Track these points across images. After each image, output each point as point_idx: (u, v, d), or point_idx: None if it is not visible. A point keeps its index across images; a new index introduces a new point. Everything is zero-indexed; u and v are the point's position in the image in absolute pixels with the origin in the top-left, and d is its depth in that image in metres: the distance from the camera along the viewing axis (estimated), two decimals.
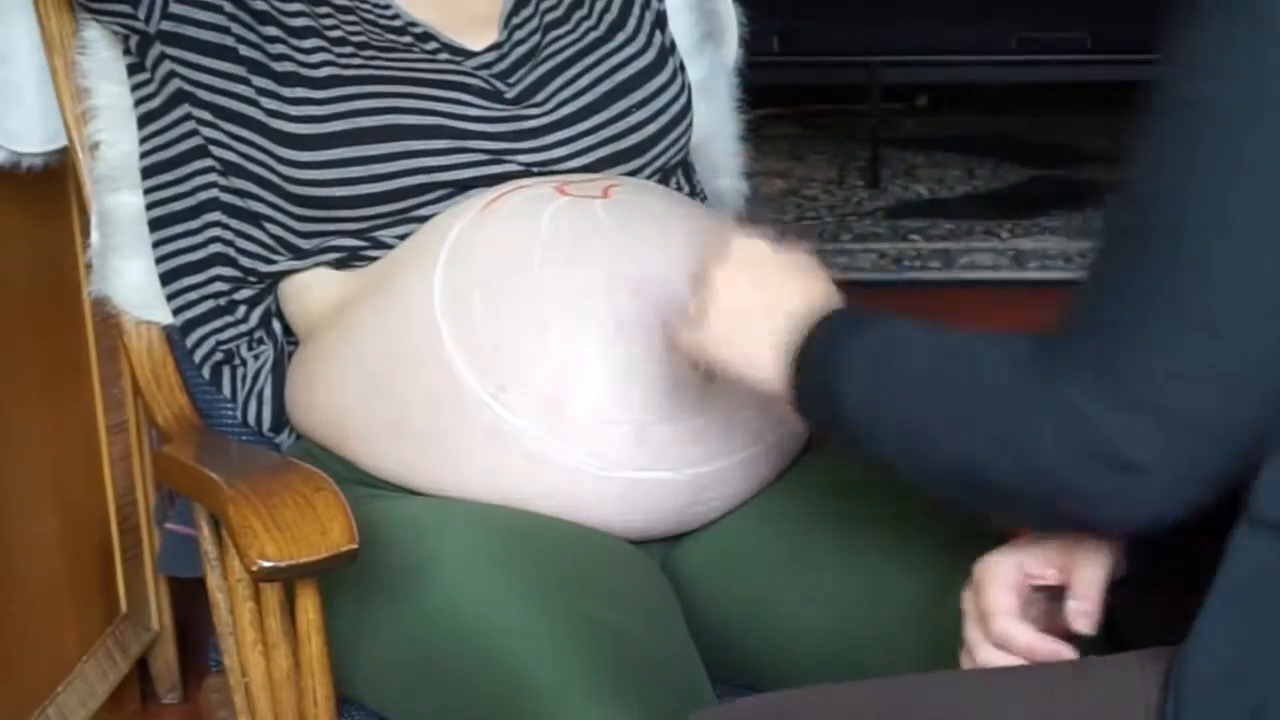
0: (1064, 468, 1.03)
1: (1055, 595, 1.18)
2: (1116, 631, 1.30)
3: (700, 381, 1.43)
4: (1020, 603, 1.17)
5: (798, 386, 1.20)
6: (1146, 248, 1.03)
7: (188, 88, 1.59)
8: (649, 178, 1.64)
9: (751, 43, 1.91)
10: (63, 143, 1.72)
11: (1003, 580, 1.17)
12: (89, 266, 1.69)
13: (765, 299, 1.24)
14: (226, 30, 1.57)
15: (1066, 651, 1.17)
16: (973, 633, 1.19)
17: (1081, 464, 1.03)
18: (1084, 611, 1.15)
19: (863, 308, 1.22)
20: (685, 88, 1.69)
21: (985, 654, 1.18)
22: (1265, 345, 1.00)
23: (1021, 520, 1.18)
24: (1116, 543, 1.17)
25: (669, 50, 1.71)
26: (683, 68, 1.71)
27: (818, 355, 1.18)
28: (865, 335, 1.16)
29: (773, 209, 4.29)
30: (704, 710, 1.27)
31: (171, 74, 1.59)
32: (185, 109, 1.60)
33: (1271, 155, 1.00)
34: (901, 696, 1.18)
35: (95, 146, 1.67)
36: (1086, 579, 1.16)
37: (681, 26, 1.79)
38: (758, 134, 1.91)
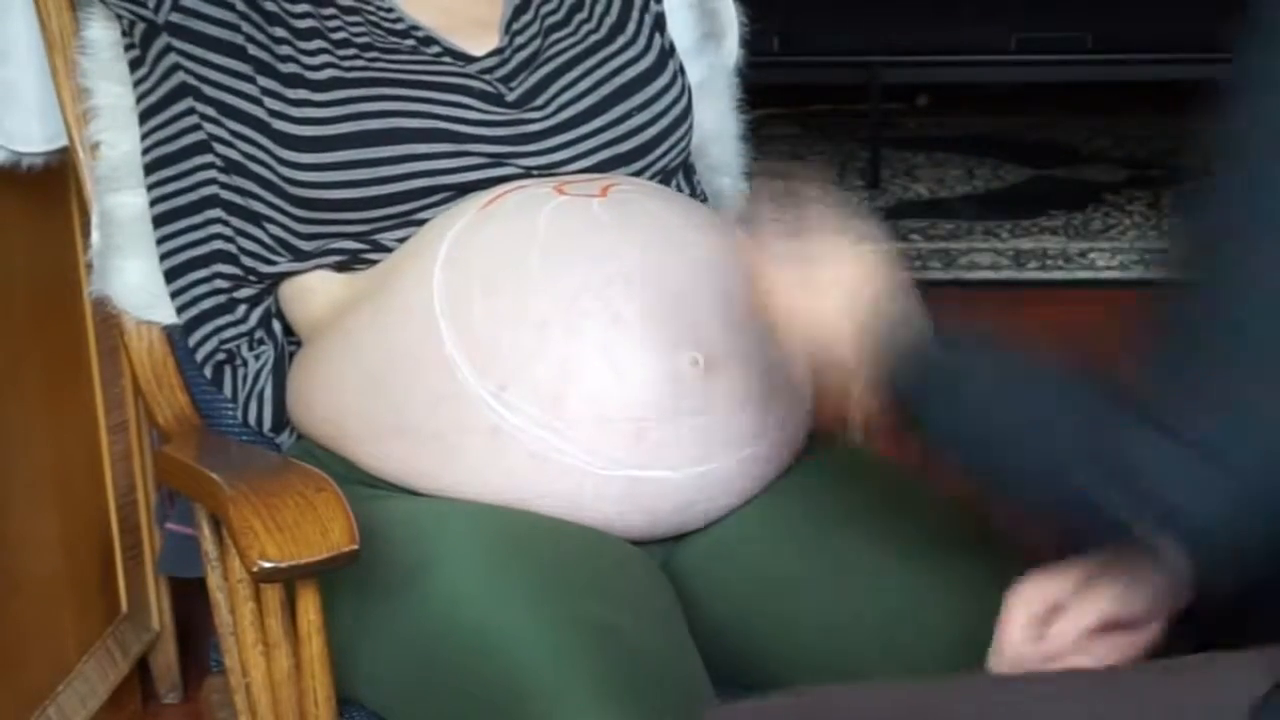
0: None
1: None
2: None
3: (700, 379, 1.43)
4: (1034, 634, 1.18)
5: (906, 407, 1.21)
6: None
7: (193, 82, 1.59)
8: (650, 180, 1.64)
9: (751, 43, 1.91)
10: (63, 142, 1.72)
11: (1025, 594, 1.18)
12: (89, 266, 1.69)
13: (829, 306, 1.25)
14: (236, 28, 1.57)
15: None
16: (993, 655, 1.20)
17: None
18: (1069, 631, 1.15)
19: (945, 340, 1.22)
20: (685, 90, 1.69)
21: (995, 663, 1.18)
22: None
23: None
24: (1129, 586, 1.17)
25: (669, 53, 1.71)
26: (683, 70, 1.71)
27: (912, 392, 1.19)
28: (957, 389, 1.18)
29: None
30: (725, 707, 1.26)
31: (176, 67, 1.59)
32: (188, 103, 1.60)
33: None
34: (937, 699, 1.17)
35: (96, 146, 1.67)
36: (1088, 603, 1.17)
37: (681, 27, 1.79)
38: (758, 134, 1.91)
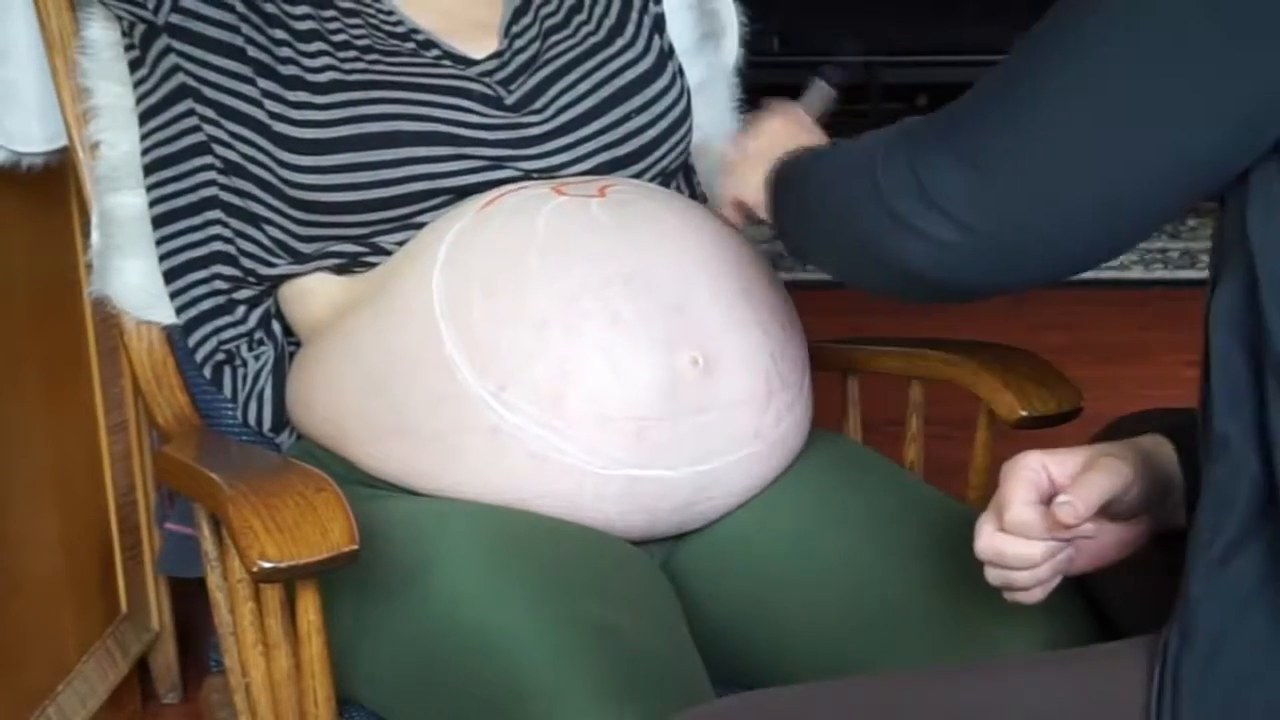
0: (883, 230, 1.17)
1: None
2: (1112, 620, 1.31)
3: (700, 379, 1.43)
4: (1037, 499, 1.18)
5: (769, 204, 1.42)
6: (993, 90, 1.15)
7: (192, 83, 1.59)
8: (649, 181, 1.64)
9: (751, 43, 1.91)
10: (63, 142, 1.72)
11: (1024, 475, 1.18)
12: (89, 266, 1.69)
13: (786, 138, 1.46)
14: (236, 30, 1.57)
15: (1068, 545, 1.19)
16: (986, 523, 1.20)
17: (894, 228, 1.16)
18: (1069, 502, 1.16)
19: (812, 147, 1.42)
20: (685, 92, 1.69)
21: (990, 540, 1.19)
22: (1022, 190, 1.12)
23: (874, 280, 1.25)
24: (1133, 476, 1.19)
25: (668, 54, 1.71)
26: (682, 72, 1.71)
27: (777, 175, 1.40)
28: (791, 162, 1.39)
29: None
30: (691, 710, 1.27)
31: (175, 68, 1.59)
32: (188, 104, 1.60)
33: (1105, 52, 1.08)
34: (896, 693, 1.19)
35: (95, 146, 1.67)
36: (1089, 481, 1.18)
37: (681, 27, 1.79)
38: None
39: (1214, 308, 1.10)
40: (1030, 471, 1.19)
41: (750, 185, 1.48)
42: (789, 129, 1.52)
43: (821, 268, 1.32)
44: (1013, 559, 1.18)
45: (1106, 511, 1.20)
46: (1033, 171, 1.11)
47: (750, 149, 1.51)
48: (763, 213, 1.46)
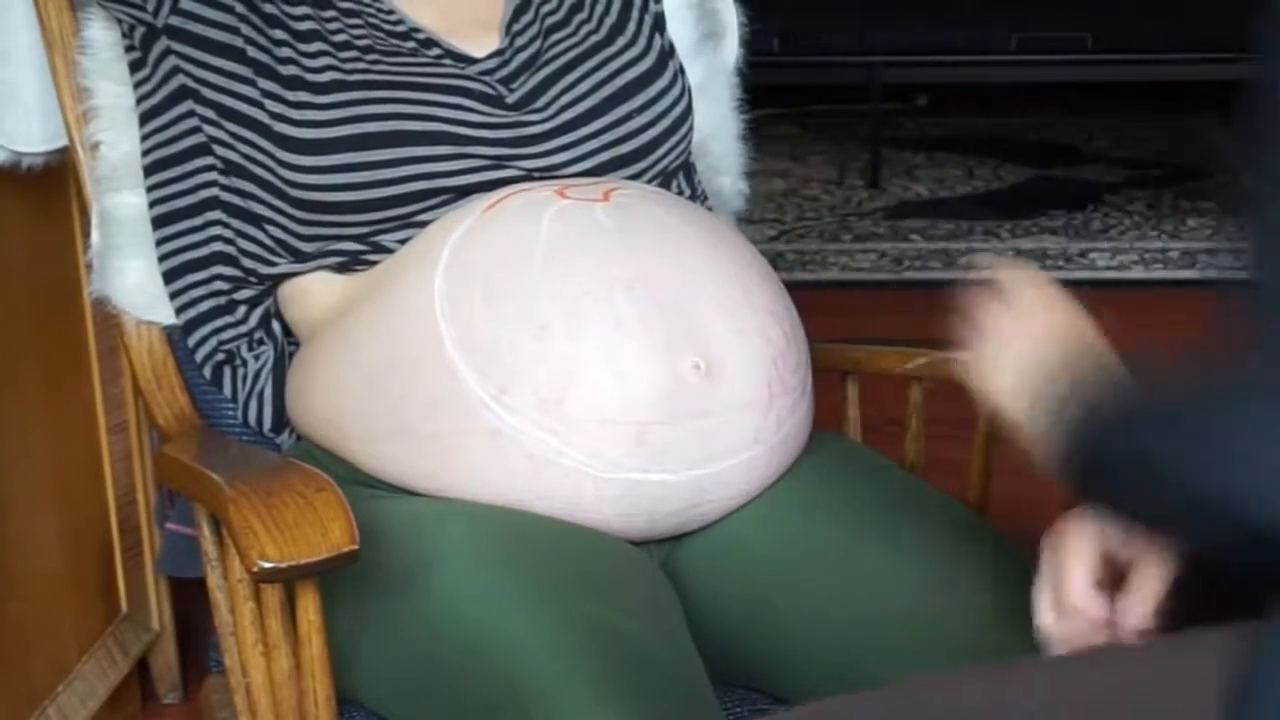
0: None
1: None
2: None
3: (702, 383, 1.43)
4: (1094, 579, 1.16)
5: (1063, 469, 1.16)
6: None
7: (192, 84, 1.59)
8: (650, 182, 1.64)
9: (751, 43, 1.91)
10: (63, 143, 1.72)
11: (1081, 548, 1.16)
12: (89, 266, 1.69)
13: (1027, 349, 1.22)
14: (236, 31, 1.57)
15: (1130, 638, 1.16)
16: (1042, 601, 1.17)
17: None
18: (1140, 609, 1.14)
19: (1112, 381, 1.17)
20: (686, 91, 1.69)
21: (1047, 621, 1.17)
22: None
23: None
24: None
25: (669, 53, 1.71)
26: (683, 71, 1.71)
27: (1078, 449, 1.14)
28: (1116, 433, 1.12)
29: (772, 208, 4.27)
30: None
31: (175, 70, 1.59)
32: (188, 106, 1.60)
33: None
34: (1004, 688, 1.14)
35: (96, 146, 1.67)
36: (1148, 579, 1.15)
37: (681, 27, 1.79)
38: (758, 134, 1.91)
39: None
40: (1089, 543, 1.15)
41: (1001, 389, 1.23)
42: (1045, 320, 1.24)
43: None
44: (1072, 637, 1.16)
45: None
46: None
47: (992, 335, 1.24)
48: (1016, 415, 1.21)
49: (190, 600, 2.22)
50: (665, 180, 1.66)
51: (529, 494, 1.43)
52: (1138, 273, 3.94)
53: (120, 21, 1.62)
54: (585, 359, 1.41)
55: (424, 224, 1.54)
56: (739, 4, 1.91)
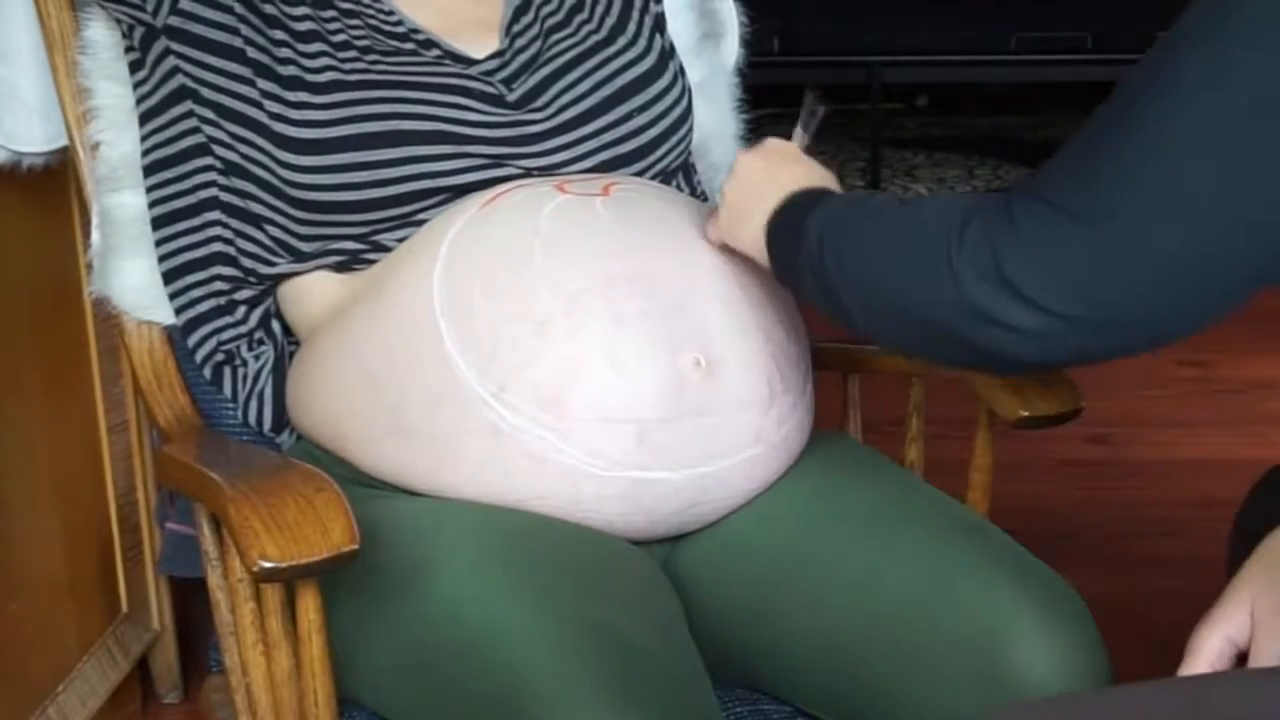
0: (963, 319, 1.13)
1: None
2: None
3: (702, 381, 1.43)
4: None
5: (772, 256, 1.36)
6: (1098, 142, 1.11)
7: (191, 85, 1.59)
8: (650, 180, 1.64)
9: (751, 43, 1.91)
10: (63, 143, 1.72)
11: (1211, 655, 1.15)
12: (89, 266, 1.70)
13: (771, 180, 1.40)
14: (235, 31, 1.57)
15: None
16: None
17: (976, 320, 1.12)
18: None
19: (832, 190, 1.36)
20: (686, 91, 1.69)
21: None
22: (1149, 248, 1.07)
23: (951, 358, 1.22)
24: None
25: (669, 53, 1.71)
26: (683, 71, 1.71)
27: (784, 226, 1.33)
28: (822, 206, 1.30)
29: None
30: (1007, 707, 1.24)
31: (175, 70, 1.59)
32: (187, 106, 1.60)
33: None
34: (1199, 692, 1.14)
35: (96, 147, 1.67)
36: (1265, 652, 1.14)
37: (681, 27, 1.79)
38: (758, 134, 1.91)
39: None
40: (1218, 649, 1.13)
41: (744, 238, 1.41)
42: (774, 165, 1.44)
43: (869, 336, 1.25)
44: None
45: None
46: (1163, 232, 1.03)
47: (731, 197, 1.44)
48: (753, 252, 1.39)
49: (190, 600, 2.23)
50: (665, 180, 1.66)
51: (529, 493, 1.43)
52: None
53: (120, 22, 1.62)
54: (586, 356, 1.41)
55: (423, 223, 1.54)
56: (739, 4, 1.91)
